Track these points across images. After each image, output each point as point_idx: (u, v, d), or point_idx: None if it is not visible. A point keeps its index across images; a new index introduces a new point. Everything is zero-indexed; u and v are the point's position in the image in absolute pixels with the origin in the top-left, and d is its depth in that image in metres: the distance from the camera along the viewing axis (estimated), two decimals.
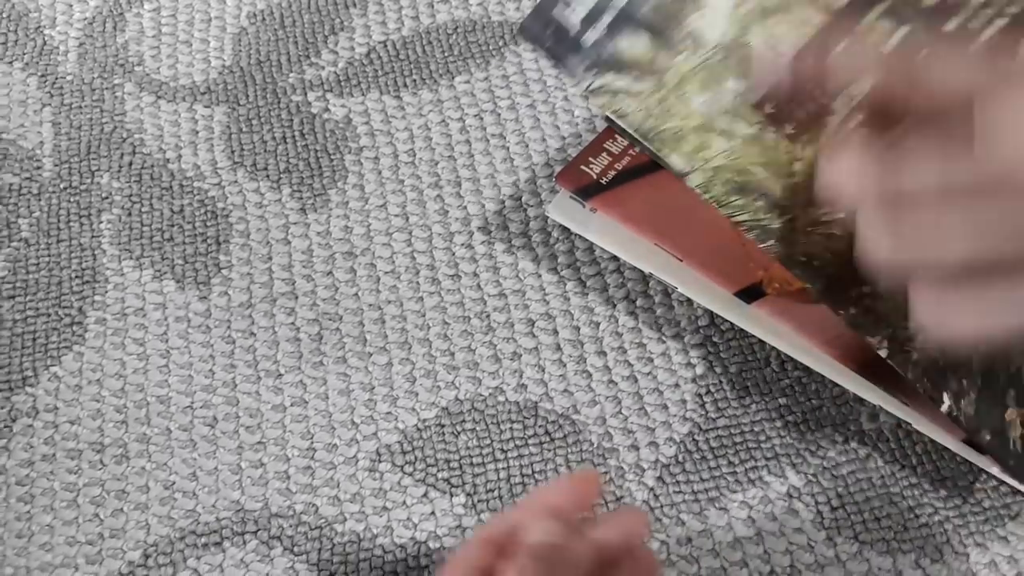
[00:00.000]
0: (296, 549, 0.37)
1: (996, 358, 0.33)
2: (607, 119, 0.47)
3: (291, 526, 0.37)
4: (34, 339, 0.42)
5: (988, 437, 0.34)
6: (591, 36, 0.31)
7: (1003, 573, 0.36)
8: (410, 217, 0.46)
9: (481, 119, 0.49)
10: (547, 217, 0.45)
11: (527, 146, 0.48)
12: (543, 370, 0.41)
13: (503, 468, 0.39)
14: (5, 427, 0.40)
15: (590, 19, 0.30)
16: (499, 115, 0.49)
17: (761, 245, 0.31)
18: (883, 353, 0.33)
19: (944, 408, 0.33)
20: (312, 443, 0.39)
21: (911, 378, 0.33)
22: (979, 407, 0.34)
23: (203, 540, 0.37)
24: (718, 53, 0.29)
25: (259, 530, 0.37)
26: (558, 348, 0.42)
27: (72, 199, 0.46)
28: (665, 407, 0.40)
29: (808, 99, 0.28)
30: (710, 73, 0.29)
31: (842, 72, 0.26)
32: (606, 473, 0.39)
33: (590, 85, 0.30)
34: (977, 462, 0.38)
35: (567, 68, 0.31)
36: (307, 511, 0.38)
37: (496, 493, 0.38)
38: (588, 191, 0.45)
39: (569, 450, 0.39)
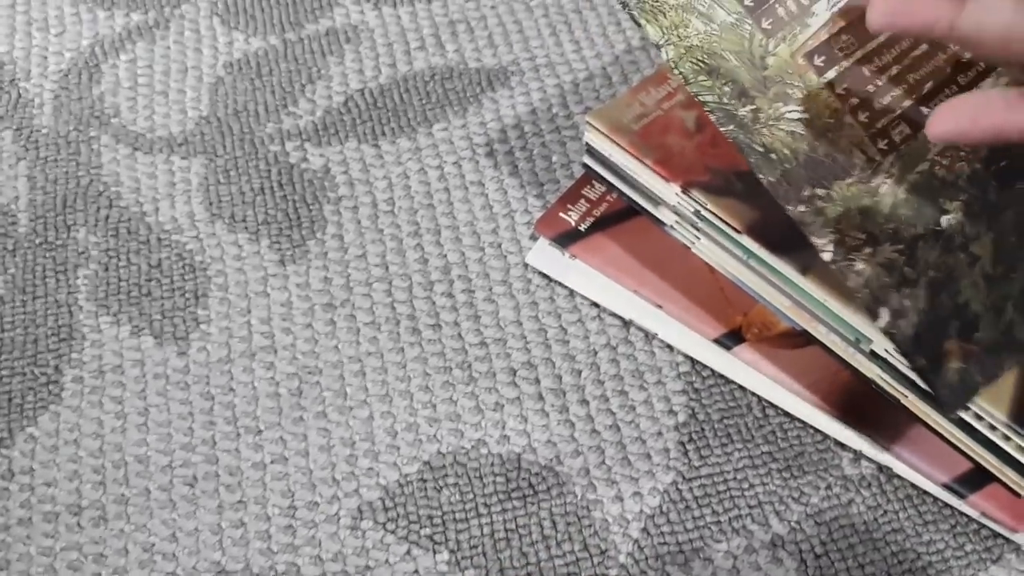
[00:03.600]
0: None
1: (945, 284, 0.33)
2: (584, 165, 0.47)
3: None
4: (9, 399, 0.41)
5: (922, 362, 0.34)
6: None
7: None
8: (390, 267, 0.46)
9: (460, 167, 0.49)
10: (527, 265, 0.46)
11: (506, 192, 0.48)
12: (526, 420, 0.41)
13: (487, 523, 0.38)
14: None
15: None
16: (477, 162, 0.49)
17: (722, 129, 0.32)
18: (827, 257, 0.33)
19: (881, 324, 0.33)
20: (293, 501, 0.39)
21: (851, 287, 0.33)
22: (919, 330, 0.34)
23: None
24: None
25: None
26: (540, 398, 0.42)
27: (48, 255, 0.46)
28: (648, 456, 0.40)
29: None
30: None
31: None
32: (589, 526, 0.38)
33: None
34: (959, 507, 0.38)
35: None
36: (288, 572, 0.37)
37: (480, 549, 0.38)
38: (567, 238, 0.45)
39: (553, 503, 0.39)
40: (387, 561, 0.37)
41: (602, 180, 0.47)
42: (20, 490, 0.39)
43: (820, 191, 0.32)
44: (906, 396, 0.39)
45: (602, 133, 0.44)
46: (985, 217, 0.32)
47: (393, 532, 0.38)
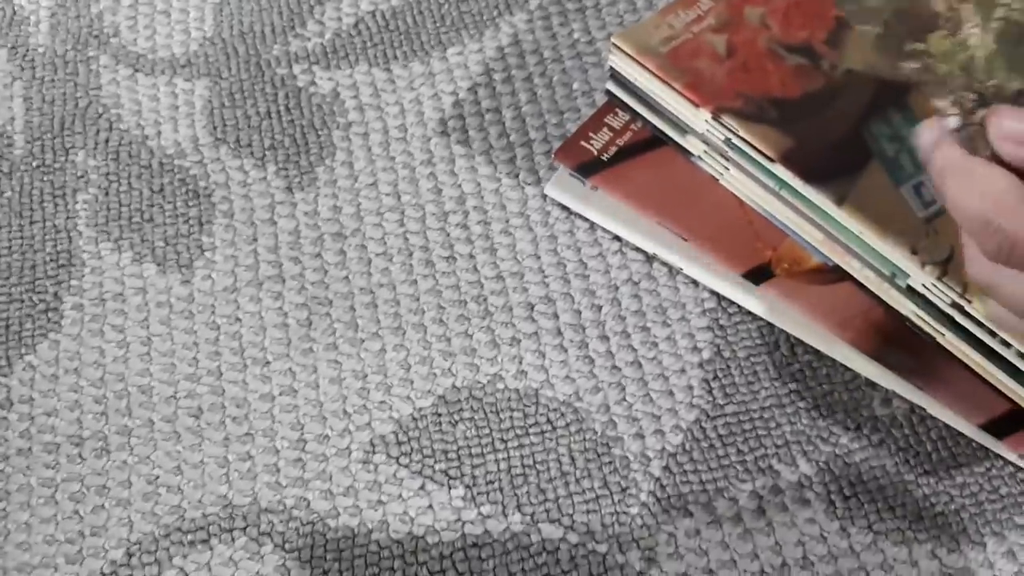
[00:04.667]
0: (287, 546, 0.35)
1: None
2: (607, 92, 0.45)
3: (282, 522, 0.36)
4: (7, 326, 0.40)
5: None
6: None
7: (1021, 562, 0.35)
8: (402, 196, 0.44)
9: (475, 92, 0.47)
10: (546, 196, 0.44)
11: (524, 121, 0.46)
12: (544, 356, 0.40)
13: (503, 459, 0.37)
14: None
15: None
16: (494, 88, 0.47)
17: None
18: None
19: None
20: (303, 434, 0.38)
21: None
22: None
23: (189, 537, 0.35)
24: None
25: (248, 526, 0.36)
26: (559, 333, 0.40)
27: (46, 178, 0.44)
28: (671, 393, 0.39)
29: None
30: None
31: None
32: (610, 463, 0.37)
33: None
34: (994, 448, 0.37)
35: None
36: (298, 506, 0.36)
37: (496, 484, 0.36)
38: (588, 168, 0.43)
39: (572, 439, 0.37)
40: (400, 496, 0.36)
41: (626, 108, 0.44)
42: (19, 420, 0.38)
43: (919, 45, 0.32)
44: (942, 334, 0.37)
45: (628, 56, 0.42)
46: None
47: (407, 466, 0.37)
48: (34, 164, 0.44)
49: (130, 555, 0.35)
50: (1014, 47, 0.31)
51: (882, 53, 0.38)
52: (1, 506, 0.36)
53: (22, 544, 0.35)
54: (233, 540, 0.35)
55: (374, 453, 0.37)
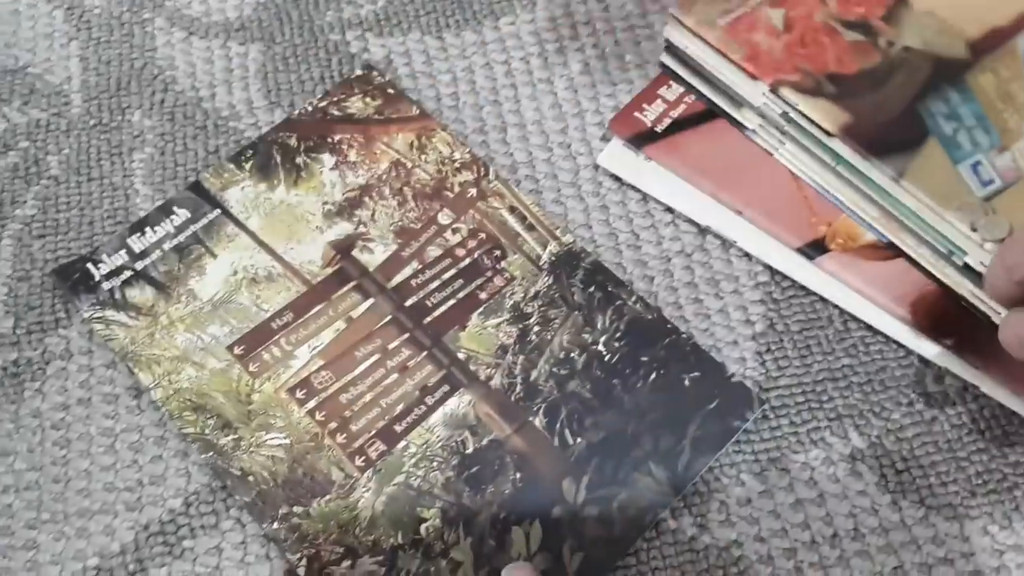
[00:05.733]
0: None
1: None
2: (662, 65, 0.45)
3: None
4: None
5: None
6: (108, 285, 0.39)
7: None
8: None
9: (527, 62, 0.47)
10: (598, 166, 0.44)
11: (576, 92, 0.46)
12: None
13: None
14: (39, 369, 0.38)
15: (111, 275, 0.39)
16: (546, 59, 0.47)
17: (201, 456, 0.35)
18: (301, 574, 0.34)
19: None
20: None
21: None
22: None
23: None
24: (206, 307, 0.38)
25: None
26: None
27: (102, 136, 0.44)
28: (723, 365, 0.39)
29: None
30: (196, 320, 0.37)
31: None
32: None
33: (90, 316, 0.38)
34: None
35: (78, 301, 0.38)
36: None
37: None
38: (642, 139, 0.43)
39: None
40: None
41: (680, 81, 0.44)
42: (79, 371, 0.38)
43: (298, 509, 0.34)
44: (998, 313, 0.37)
45: (686, 28, 0.42)
46: (462, 523, 0.34)
47: None
48: (91, 123, 0.45)
49: (188, 505, 0.35)
50: (403, 507, 0.34)
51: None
52: (62, 453, 0.36)
53: (83, 491, 0.36)
54: None
55: None
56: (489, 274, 0.40)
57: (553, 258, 0.40)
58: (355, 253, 0.40)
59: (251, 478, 0.34)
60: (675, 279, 0.41)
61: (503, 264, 0.40)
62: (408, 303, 0.39)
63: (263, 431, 0.35)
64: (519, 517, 0.34)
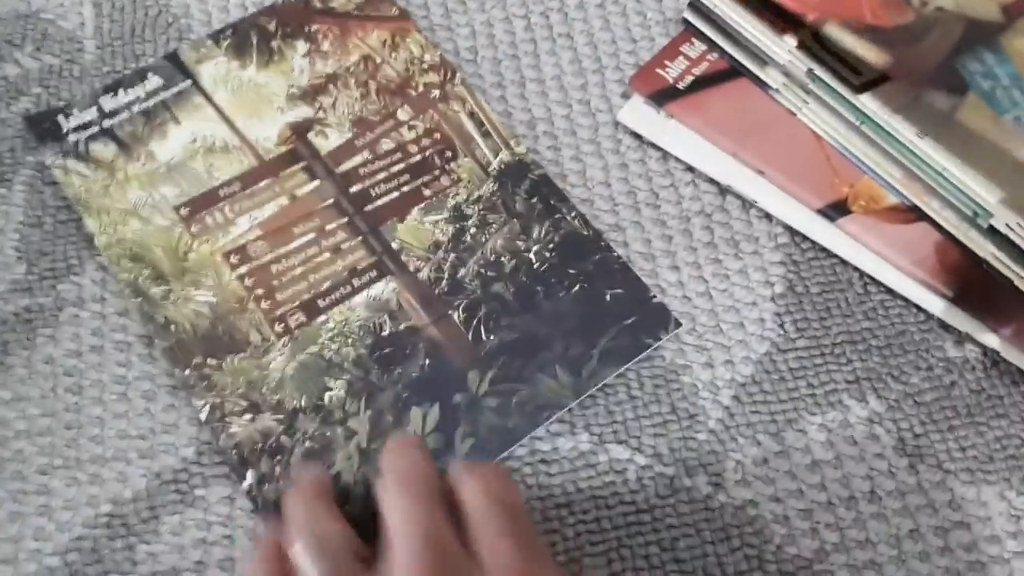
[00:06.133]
0: None
1: (320, 454, 0.35)
2: (684, 21, 0.44)
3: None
4: (77, 228, 0.40)
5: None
6: (74, 137, 0.41)
7: None
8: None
9: (547, 17, 0.46)
10: (618, 123, 0.43)
11: (596, 48, 0.45)
12: None
13: None
14: (51, 315, 0.38)
15: (79, 128, 0.41)
16: (566, 14, 0.46)
17: (126, 303, 0.38)
18: (202, 417, 0.35)
19: (245, 486, 0.34)
20: None
21: (221, 445, 0.35)
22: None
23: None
24: (162, 168, 0.40)
25: None
26: (628, 261, 0.40)
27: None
28: (742, 325, 0.38)
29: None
30: (150, 179, 0.40)
31: None
32: (678, 390, 0.37)
33: (52, 163, 0.40)
34: None
35: (44, 148, 0.40)
36: None
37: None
38: (663, 96, 0.42)
39: (640, 364, 0.37)
40: None
41: (703, 38, 0.44)
42: (91, 318, 0.38)
43: (212, 361, 0.36)
44: (1021, 277, 0.37)
45: None
46: (365, 396, 0.35)
47: None
48: (104, 70, 0.44)
49: (200, 453, 0.35)
50: (312, 375, 0.36)
51: None
52: (74, 400, 0.36)
53: (96, 437, 0.35)
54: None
55: None
56: (437, 173, 0.41)
57: (503, 166, 0.41)
58: (310, 136, 0.41)
59: (173, 327, 0.36)
60: (694, 239, 0.40)
61: (452, 165, 0.41)
62: (352, 189, 0.40)
63: (193, 287, 0.37)
64: (420, 400, 0.35)
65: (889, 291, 0.39)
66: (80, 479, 0.35)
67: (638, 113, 0.43)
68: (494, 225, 0.39)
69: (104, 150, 0.40)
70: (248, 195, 0.40)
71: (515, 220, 0.39)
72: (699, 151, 0.42)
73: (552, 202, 0.40)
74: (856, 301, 0.39)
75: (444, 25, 0.46)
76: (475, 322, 0.37)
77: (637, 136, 0.43)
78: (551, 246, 0.39)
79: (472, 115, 0.42)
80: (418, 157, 0.41)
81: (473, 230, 0.39)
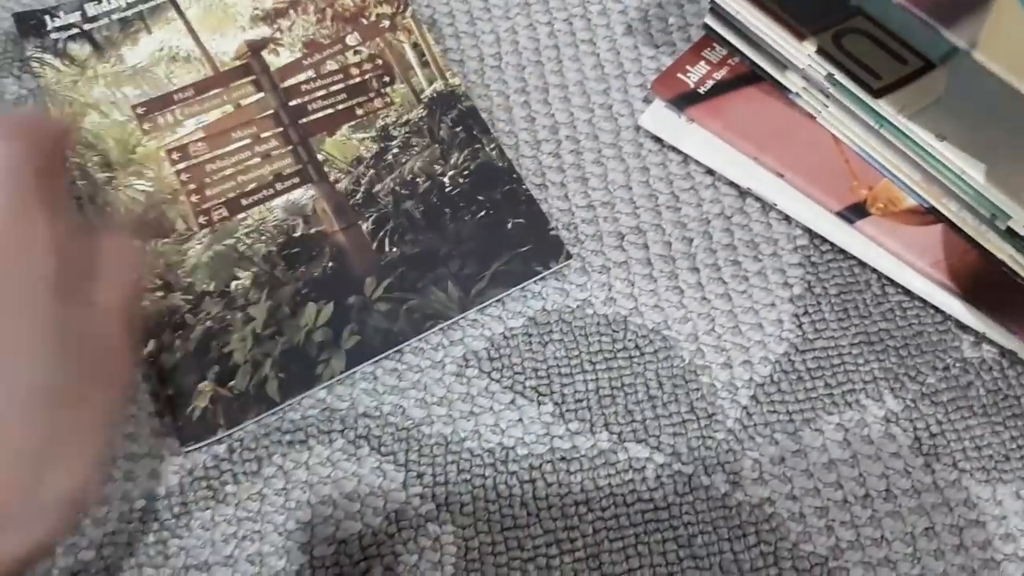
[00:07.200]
0: (383, 449, 0.36)
1: (218, 335, 0.38)
2: (705, 26, 0.45)
3: (378, 426, 0.37)
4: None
5: (169, 393, 0.37)
6: (56, 36, 0.45)
7: None
8: (496, 123, 0.44)
9: (571, 24, 0.47)
10: (639, 128, 0.44)
11: (619, 53, 0.46)
12: (633, 285, 0.40)
13: (591, 379, 0.38)
14: None
15: (61, 28, 0.45)
16: (589, 20, 0.47)
17: (75, 184, 0.41)
18: None
19: (143, 352, 0.38)
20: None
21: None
22: (180, 366, 0.37)
23: (287, 438, 0.37)
24: (128, 71, 0.44)
25: (346, 429, 0.37)
26: (649, 263, 0.41)
27: None
28: (760, 326, 0.39)
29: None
30: (116, 79, 0.44)
31: None
32: (697, 389, 0.38)
33: (30, 55, 0.44)
34: None
35: (26, 42, 0.45)
36: (394, 412, 0.37)
37: (585, 403, 0.37)
38: (684, 100, 0.43)
39: (660, 365, 0.38)
40: (491, 408, 0.37)
41: (724, 43, 0.44)
42: None
43: (138, 243, 0.39)
44: None
45: None
46: (268, 288, 0.39)
47: (498, 381, 0.38)
48: None
49: (231, 451, 0.37)
50: (223, 264, 0.40)
51: None
52: None
53: (130, 435, 0.37)
54: (331, 442, 0.37)
55: (467, 367, 0.38)
56: (372, 95, 0.44)
57: (435, 95, 0.44)
58: (264, 53, 0.45)
59: (108, 208, 0.40)
60: (714, 241, 0.41)
61: (388, 90, 0.44)
62: (292, 103, 0.44)
63: (135, 177, 0.41)
64: (317, 297, 0.38)
65: (907, 292, 0.39)
66: (114, 475, 0.36)
67: (659, 117, 0.43)
68: (416, 148, 0.42)
69: (80, 50, 0.44)
70: (199, 101, 0.43)
71: (436, 145, 0.42)
72: (719, 154, 0.42)
73: (475, 132, 0.43)
74: (874, 302, 0.39)
75: (469, 32, 0.47)
76: (381, 234, 0.40)
77: (658, 140, 0.43)
78: (466, 173, 0.41)
79: (415, 46, 0.45)
80: (357, 80, 0.44)
81: (396, 151, 0.42)
